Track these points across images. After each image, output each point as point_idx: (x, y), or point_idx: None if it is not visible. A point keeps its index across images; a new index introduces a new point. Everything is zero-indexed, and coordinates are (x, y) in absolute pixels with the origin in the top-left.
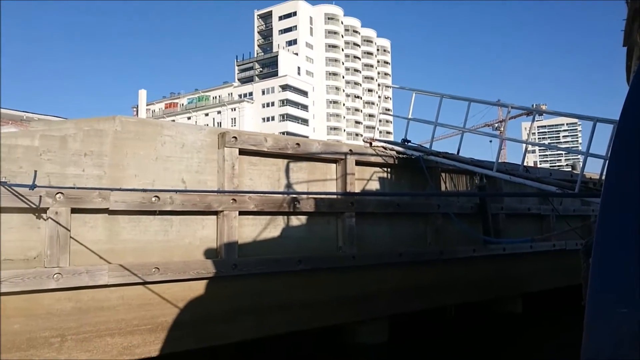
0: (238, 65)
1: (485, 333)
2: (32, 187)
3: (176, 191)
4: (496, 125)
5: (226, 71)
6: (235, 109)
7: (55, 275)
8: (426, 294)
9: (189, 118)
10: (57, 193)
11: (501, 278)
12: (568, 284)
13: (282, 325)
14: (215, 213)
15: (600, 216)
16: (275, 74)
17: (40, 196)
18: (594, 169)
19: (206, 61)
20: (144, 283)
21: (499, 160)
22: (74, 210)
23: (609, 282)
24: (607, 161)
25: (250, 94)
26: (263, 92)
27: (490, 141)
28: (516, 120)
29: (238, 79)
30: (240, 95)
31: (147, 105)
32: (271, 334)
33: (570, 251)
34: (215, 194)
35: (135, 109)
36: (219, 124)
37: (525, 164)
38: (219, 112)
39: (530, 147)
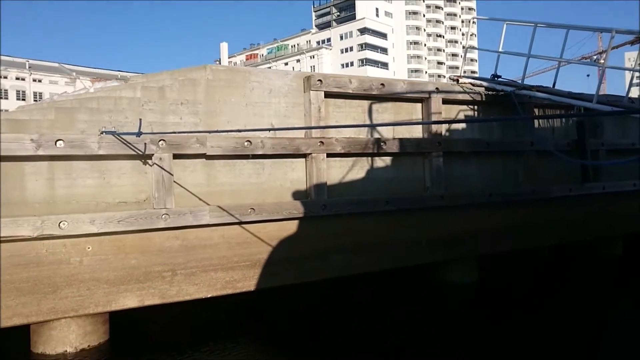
0: (315, 11)
1: (581, 275)
2: (139, 134)
3: (269, 129)
4: (595, 57)
5: (304, 18)
6: (313, 57)
7: (163, 216)
8: (518, 235)
9: (269, 68)
10: (160, 140)
11: (600, 219)
12: None
13: (372, 264)
14: (304, 156)
15: None
16: (352, 18)
17: (145, 143)
18: None
19: (283, 9)
20: (241, 223)
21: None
22: (175, 156)
23: None
24: None
25: (329, 40)
26: (341, 37)
27: (588, 75)
28: (618, 50)
29: (315, 26)
30: (318, 42)
31: (228, 57)
32: (361, 272)
33: None
34: (304, 137)
35: (217, 62)
36: (300, 71)
37: (629, 95)
38: (298, 61)
39: (635, 79)
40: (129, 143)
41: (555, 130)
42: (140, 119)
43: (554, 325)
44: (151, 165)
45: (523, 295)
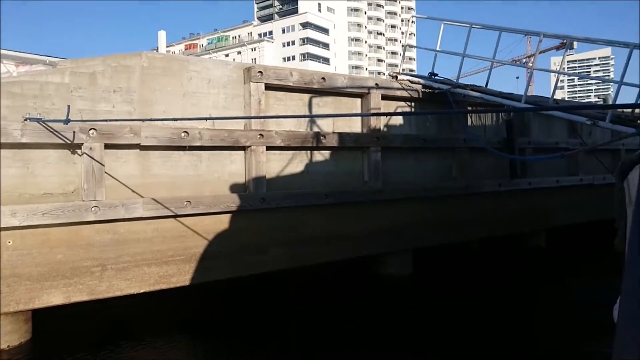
0: (257, 3)
1: (508, 266)
2: (67, 121)
3: (207, 119)
4: (524, 60)
5: (245, 10)
6: (255, 49)
7: (93, 208)
8: (451, 228)
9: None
10: (90, 129)
11: (526, 212)
12: (594, 219)
13: (312, 257)
14: (243, 148)
15: None
16: (295, 12)
17: (74, 132)
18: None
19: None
20: (176, 216)
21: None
22: (107, 146)
23: None
24: None
25: (270, 32)
26: (283, 31)
27: (517, 77)
28: (545, 55)
29: (257, 18)
30: (260, 35)
31: (166, 47)
32: (301, 265)
33: (598, 186)
34: (243, 129)
35: (155, 51)
36: (240, 62)
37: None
38: (239, 53)
39: (559, 83)
40: (56, 131)
41: (486, 128)
42: (69, 106)
43: (483, 311)
44: (80, 155)
45: (456, 287)
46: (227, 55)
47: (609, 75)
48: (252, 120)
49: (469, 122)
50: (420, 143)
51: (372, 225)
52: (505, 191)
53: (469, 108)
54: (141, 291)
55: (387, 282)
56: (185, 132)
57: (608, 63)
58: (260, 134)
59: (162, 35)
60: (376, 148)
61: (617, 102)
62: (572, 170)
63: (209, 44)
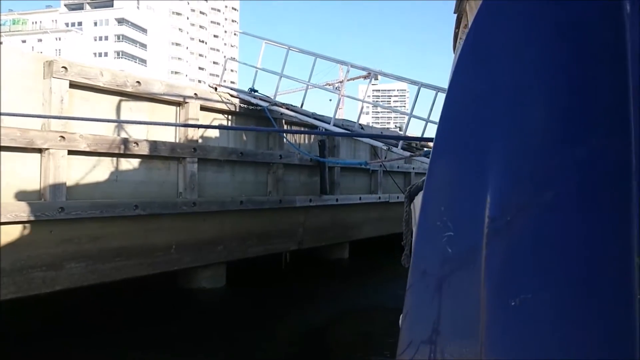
0: None
1: (316, 276)
2: None
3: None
4: (337, 85)
5: None
6: (60, 39)
7: None
8: (265, 241)
9: (0, 43)
10: None
11: (333, 226)
12: (391, 232)
13: (119, 272)
14: (40, 151)
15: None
16: (110, 5)
17: None
18: (418, 131)
19: None
20: None
21: (337, 117)
22: None
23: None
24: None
25: (80, 23)
26: (95, 24)
27: (330, 100)
28: (355, 82)
29: (65, 5)
30: (67, 24)
31: None
32: (106, 281)
33: (393, 203)
34: (40, 130)
35: None
36: (40, 54)
37: (359, 122)
38: (39, 40)
39: (365, 108)
40: None
41: (301, 146)
42: None
43: (287, 319)
44: None
45: (266, 297)
46: (24, 42)
47: (405, 106)
48: (52, 120)
49: (285, 139)
50: (238, 156)
51: (186, 237)
52: (315, 206)
53: (286, 126)
54: None
55: (199, 295)
56: None
57: (404, 95)
58: (62, 136)
59: None
60: (192, 159)
61: (409, 130)
62: (372, 189)
63: (1, 25)
